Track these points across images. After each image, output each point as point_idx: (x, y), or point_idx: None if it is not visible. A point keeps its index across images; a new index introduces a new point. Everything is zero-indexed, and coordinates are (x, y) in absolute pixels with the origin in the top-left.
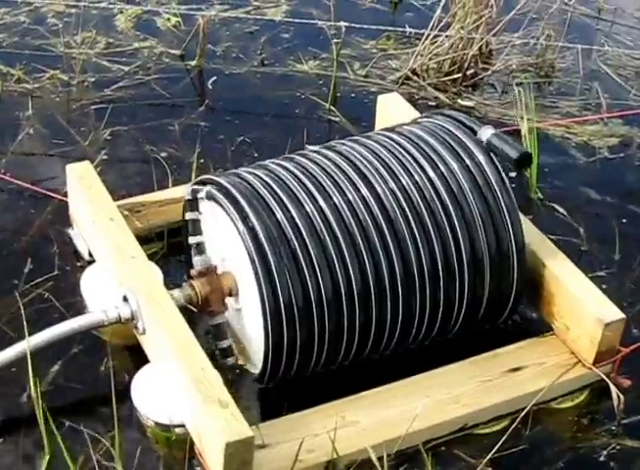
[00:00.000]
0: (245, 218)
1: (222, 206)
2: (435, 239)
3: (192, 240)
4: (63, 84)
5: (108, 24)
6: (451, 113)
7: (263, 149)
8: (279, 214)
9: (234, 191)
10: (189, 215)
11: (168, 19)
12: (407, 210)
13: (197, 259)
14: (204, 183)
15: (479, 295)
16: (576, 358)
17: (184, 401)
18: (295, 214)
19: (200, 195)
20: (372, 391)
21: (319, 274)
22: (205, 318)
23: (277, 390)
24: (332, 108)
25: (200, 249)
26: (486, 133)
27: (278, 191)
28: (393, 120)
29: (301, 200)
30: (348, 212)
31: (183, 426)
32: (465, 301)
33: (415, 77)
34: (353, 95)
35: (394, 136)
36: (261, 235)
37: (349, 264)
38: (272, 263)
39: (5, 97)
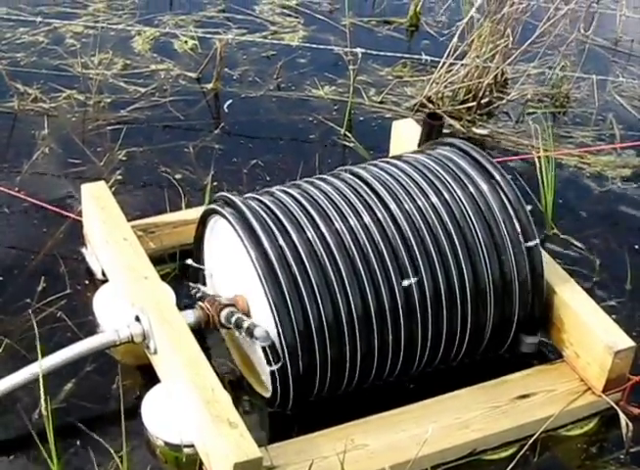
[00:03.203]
0: (257, 243)
1: (235, 230)
2: (439, 265)
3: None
4: (79, 104)
5: (125, 46)
6: (455, 141)
7: (276, 172)
8: (282, 239)
9: (248, 214)
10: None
11: (185, 41)
12: (410, 234)
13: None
14: (218, 202)
15: (481, 322)
16: (586, 386)
17: (194, 422)
18: (296, 240)
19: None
20: (382, 414)
21: (320, 302)
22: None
23: (287, 412)
24: (347, 133)
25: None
26: None
27: (284, 215)
28: (408, 147)
29: (303, 226)
30: (349, 238)
31: (192, 446)
32: (468, 329)
33: (430, 105)
34: (368, 121)
35: (400, 163)
36: (274, 260)
37: (349, 290)
38: (285, 289)
39: (21, 116)
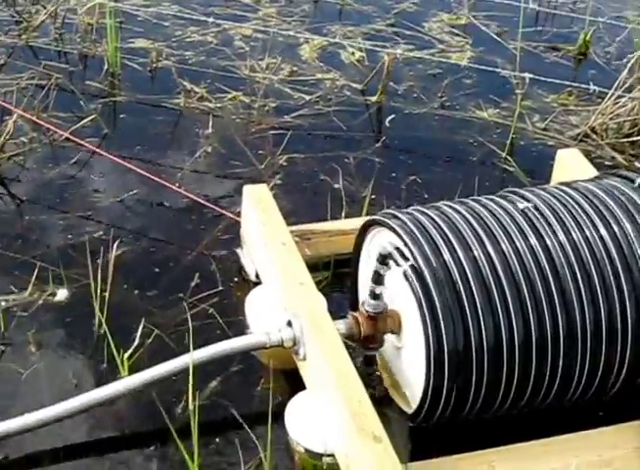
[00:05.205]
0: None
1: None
2: (602, 298)
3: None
4: (244, 106)
5: (293, 53)
6: (628, 174)
7: (434, 191)
8: (446, 257)
9: (402, 233)
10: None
11: (353, 53)
12: (576, 265)
13: (371, 302)
14: (374, 221)
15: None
16: None
17: (337, 432)
18: (461, 258)
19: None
20: (524, 444)
21: (482, 321)
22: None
23: (429, 430)
24: (507, 157)
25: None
26: None
27: (447, 233)
28: (571, 176)
29: (469, 244)
30: (515, 260)
31: (332, 456)
32: (625, 364)
33: (594, 135)
34: (529, 147)
35: (570, 190)
36: (428, 278)
37: (512, 314)
38: (438, 307)
39: (187, 113)
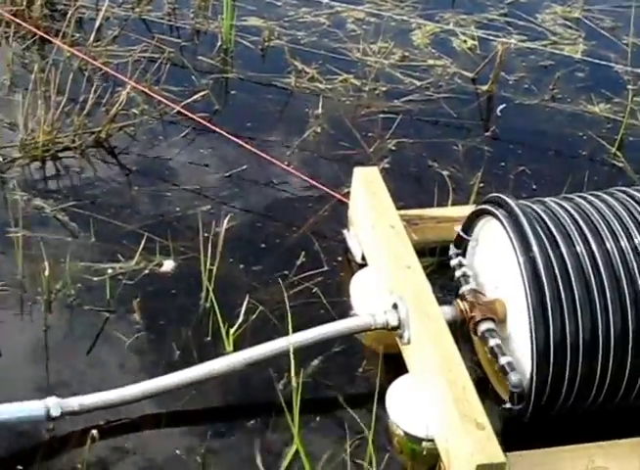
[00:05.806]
0: (527, 249)
1: (507, 232)
2: None
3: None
4: (354, 89)
5: (404, 38)
6: None
7: (542, 183)
8: (550, 252)
9: (522, 219)
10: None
11: (465, 40)
12: None
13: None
14: (491, 202)
15: None
16: None
17: (439, 417)
18: (564, 254)
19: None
20: (628, 440)
21: (580, 317)
22: None
23: (525, 420)
24: (617, 153)
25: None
26: None
27: (552, 228)
28: None
29: (576, 239)
30: (618, 258)
31: (432, 441)
32: None
33: None
34: None
35: None
36: (541, 268)
37: (611, 311)
38: (548, 299)
39: (297, 93)
